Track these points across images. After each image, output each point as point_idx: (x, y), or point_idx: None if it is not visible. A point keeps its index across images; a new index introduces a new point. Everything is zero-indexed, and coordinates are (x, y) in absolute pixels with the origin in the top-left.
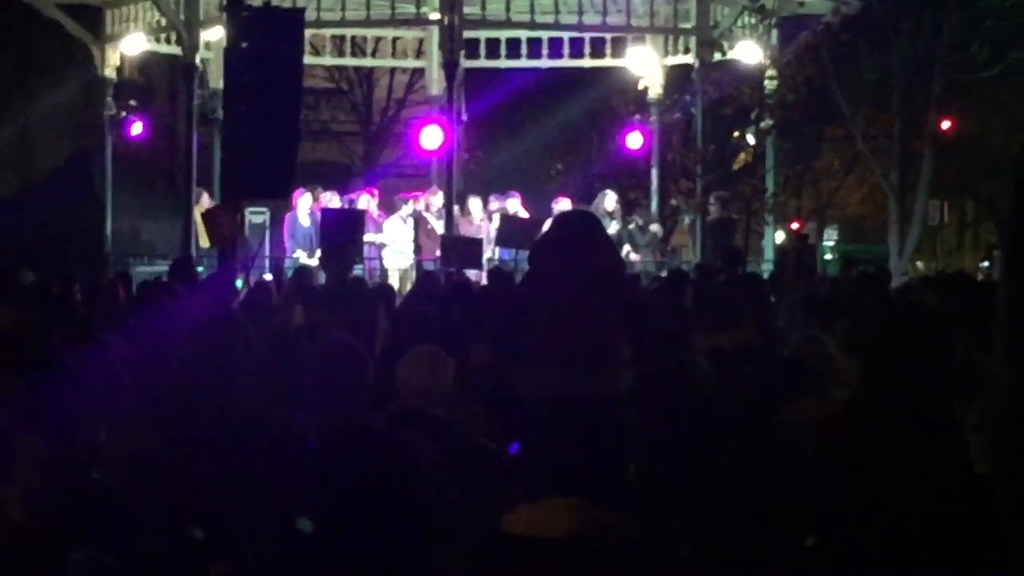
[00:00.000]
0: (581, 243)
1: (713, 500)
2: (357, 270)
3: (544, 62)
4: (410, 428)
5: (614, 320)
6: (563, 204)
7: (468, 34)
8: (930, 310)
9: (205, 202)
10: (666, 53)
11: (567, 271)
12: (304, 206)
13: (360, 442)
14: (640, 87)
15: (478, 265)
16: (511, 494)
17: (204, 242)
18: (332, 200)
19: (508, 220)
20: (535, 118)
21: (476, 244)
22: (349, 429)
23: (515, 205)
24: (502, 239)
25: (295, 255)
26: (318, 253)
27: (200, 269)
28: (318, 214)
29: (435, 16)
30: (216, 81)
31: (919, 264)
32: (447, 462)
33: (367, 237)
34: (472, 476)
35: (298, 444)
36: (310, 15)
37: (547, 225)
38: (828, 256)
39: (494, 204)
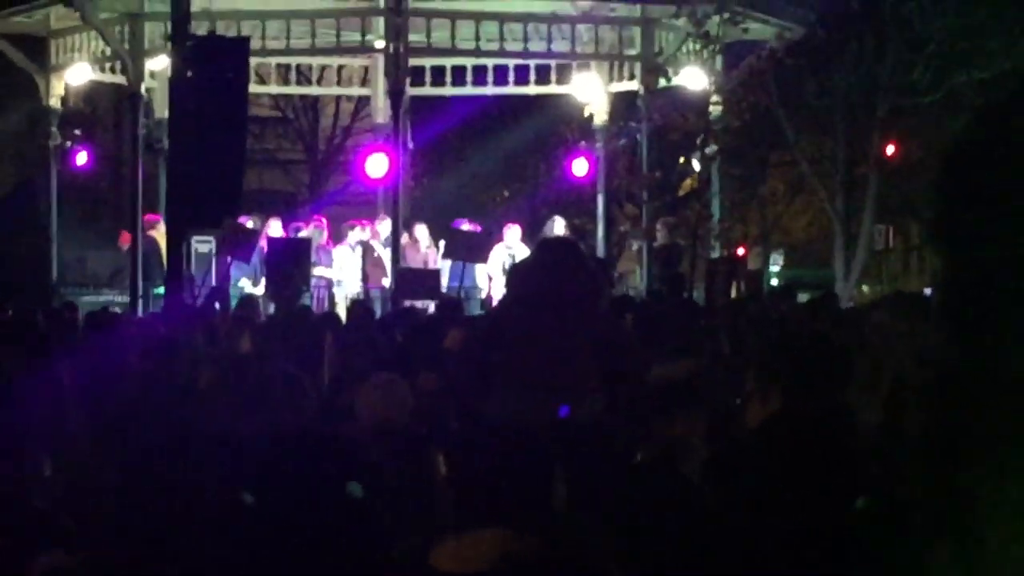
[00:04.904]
0: (565, 270)
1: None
2: (305, 299)
3: (490, 89)
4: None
5: (589, 348)
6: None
7: (414, 62)
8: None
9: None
10: (611, 80)
11: (549, 297)
12: None
13: (308, 442)
14: (585, 114)
15: (436, 296)
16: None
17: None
18: (274, 228)
19: (456, 233)
20: (481, 145)
21: (433, 275)
22: (298, 433)
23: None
24: (449, 252)
25: (240, 284)
26: (263, 282)
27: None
28: (264, 243)
29: (380, 44)
30: (161, 110)
31: (864, 288)
32: (407, 472)
33: (317, 271)
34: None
35: (243, 448)
36: (255, 43)
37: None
38: (774, 282)
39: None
